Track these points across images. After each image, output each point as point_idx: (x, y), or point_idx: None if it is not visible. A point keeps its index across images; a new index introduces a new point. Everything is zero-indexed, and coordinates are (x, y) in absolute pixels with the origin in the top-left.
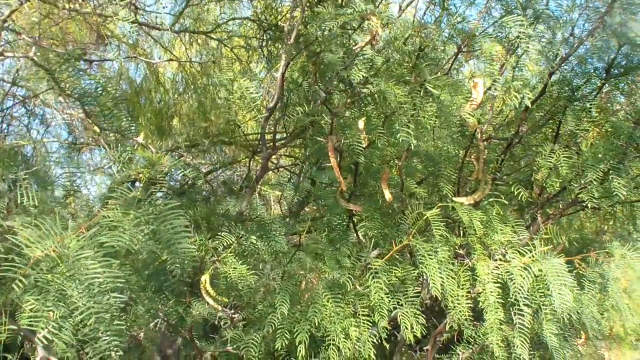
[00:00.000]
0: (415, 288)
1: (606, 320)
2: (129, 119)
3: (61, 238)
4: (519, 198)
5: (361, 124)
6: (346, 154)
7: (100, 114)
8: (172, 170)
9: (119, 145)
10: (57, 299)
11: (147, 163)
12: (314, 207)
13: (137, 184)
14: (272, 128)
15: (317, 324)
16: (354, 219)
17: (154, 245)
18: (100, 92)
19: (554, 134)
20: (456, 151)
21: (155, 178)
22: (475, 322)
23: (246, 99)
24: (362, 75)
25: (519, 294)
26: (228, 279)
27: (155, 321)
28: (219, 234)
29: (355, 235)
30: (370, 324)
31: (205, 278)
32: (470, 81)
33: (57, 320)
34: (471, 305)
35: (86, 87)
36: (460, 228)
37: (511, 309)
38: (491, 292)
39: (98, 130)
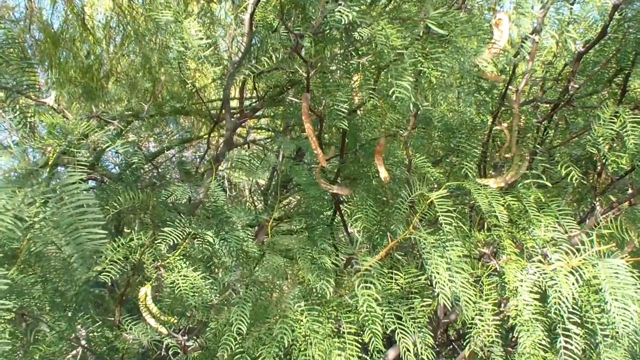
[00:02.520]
0: (425, 299)
1: None
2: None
3: None
4: (570, 180)
5: (355, 79)
6: (328, 120)
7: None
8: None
9: (13, 106)
10: None
11: (57, 131)
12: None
13: (60, 168)
14: (239, 90)
15: (287, 346)
16: (340, 208)
17: (53, 235)
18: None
19: (620, 91)
20: (482, 118)
21: (73, 154)
22: (505, 346)
23: (192, 47)
24: (353, 15)
25: (564, 308)
26: (176, 291)
27: (75, 351)
28: (163, 229)
29: (343, 229)
30: (360, 346)
31: (145, 290)
32: (492, 16)
33: None
34: (499, 323)
35: None
36: (484, 219)
37: (554, 329)
38: (526, 304)
39: None
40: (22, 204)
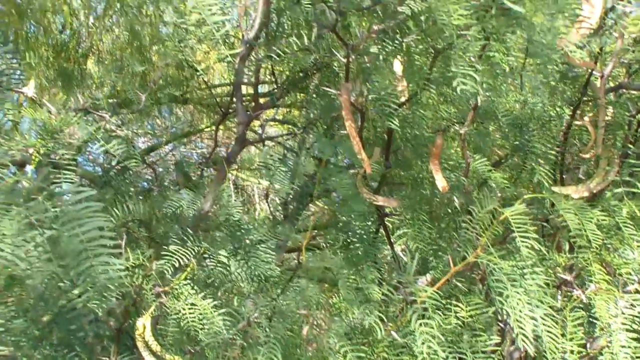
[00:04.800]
0: (492, 336)
1: None
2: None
3: None
4: None
5: (398, 65)
6: (372, 115)
7: None
8: (88, 144)
9: None
10: None
11: (43, 131)
12: (323, 204)
13: (27, 167)
14: (254, 75)
15: None
16: (386, 222)
17: (53, 263)
18: None
19: None
20: (558, 110)
21: (58, 157)
22: None
23: (206, 25)
24: None
25: None
26: (182, 323)
27: None
28: (167, 248)
29: (390, 248)
30: None
31: (143, 322)
32: None
33: None
34: None
35: None
36: (565, 238)
37: None
38: (622, 346)
39: None
40: (22, 228)
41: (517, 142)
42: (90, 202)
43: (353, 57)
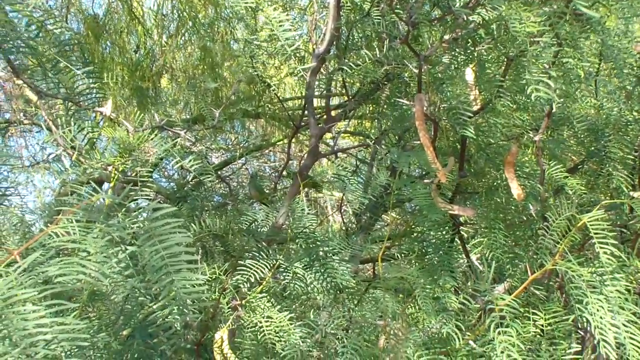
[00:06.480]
0: (573, 345)
1: None
2: (89, 76)
3: None
4: None
5: (470, 74)
6: (446, 125)
7: (39, 70)
8: (163, 160)
9: (71, 120)
10: None
11: (121, 149)
12: (397, 216)
13: (105, 185)
14: (325, 88)
15: None
16: (462, 232)
17: (135, 280)
18: (36, 33)
19: None
20: (635, 115)
21: (135, 174)
22: None
23: (279, 40)
24: None
25: None
26: (258, 336)
27: None
28: (242, 262)
29: (465, 257)
30: None
31: (221, 335)
32: None
33: None
34: None
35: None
36: None
37: None
38: None
39: (35, 97)
40: (104, 245)
41: (593, 148)
42: (169, 219)
43: (425, 67)
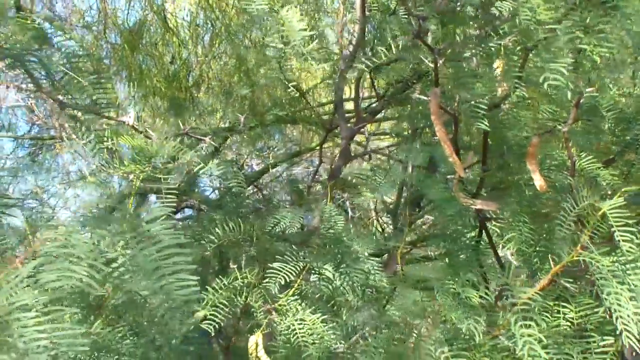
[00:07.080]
0: (605, 337)
1: None
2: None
3: None
4: None
5: (497, 66)
6: (463, 119)
7: (74, 87)
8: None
9: (85, 128)
10: None
11: (140, 157)
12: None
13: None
14: (354, 89)
15: None
16: (486, 226)
17: (135, 282)
18: (73, 51)
19: None
20: None
21: (159, 180)
22: None
23: (294, 41)
24: None
25: None
26: (292, 338)
27: None
28: (272, 265)
29: (492, 252)
30: None
31: (256, 339)
32: None
33: None
34: None
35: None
36: None
37: None
38: None
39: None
40: (101, 248)
41: (625, 137)
42: (163, 221)
43: (440, 62)
